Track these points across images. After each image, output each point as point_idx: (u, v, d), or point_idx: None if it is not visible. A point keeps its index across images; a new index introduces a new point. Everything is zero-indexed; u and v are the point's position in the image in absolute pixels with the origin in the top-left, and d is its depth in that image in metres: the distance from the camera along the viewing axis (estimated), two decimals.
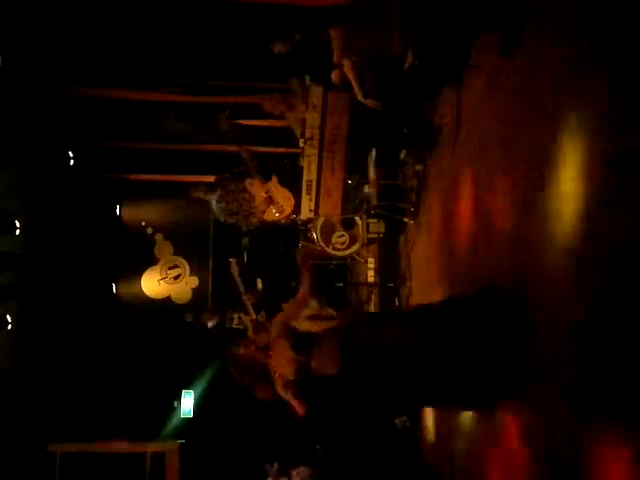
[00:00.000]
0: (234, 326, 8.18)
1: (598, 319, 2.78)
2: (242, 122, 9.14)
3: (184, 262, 11.24)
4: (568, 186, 3.18)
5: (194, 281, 11.21)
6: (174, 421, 10.01)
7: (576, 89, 3.16)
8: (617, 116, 2.77)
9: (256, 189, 8.04)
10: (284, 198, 8.00)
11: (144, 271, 11.19)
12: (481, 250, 4.69)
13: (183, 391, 10.19)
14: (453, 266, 5.47)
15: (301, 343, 4.24)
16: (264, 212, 7.96)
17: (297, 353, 4.22)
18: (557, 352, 3.15)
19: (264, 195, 8.00)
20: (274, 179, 8.04)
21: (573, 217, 3.10)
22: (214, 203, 8.23)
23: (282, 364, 4.28)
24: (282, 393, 4.27)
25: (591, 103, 2.99)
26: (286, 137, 8.08)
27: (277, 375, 4.28)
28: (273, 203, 7.97)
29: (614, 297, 2.69)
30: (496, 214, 4.34)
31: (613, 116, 2.80)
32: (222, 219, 8.35)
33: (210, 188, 8.28)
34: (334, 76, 6.06)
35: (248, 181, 8.06)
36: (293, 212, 7.85)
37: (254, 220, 8.14)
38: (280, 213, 7.93)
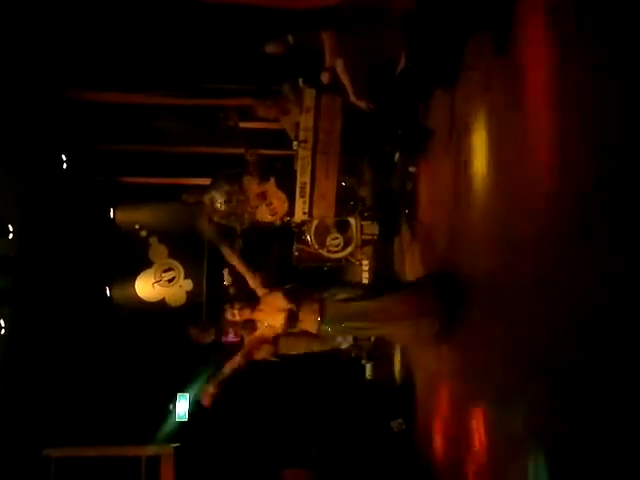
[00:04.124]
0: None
1: None
2: (237, 124, 9.11)
3: (178, 265, 11.21)
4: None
5: (188, 284, 11.18)
6: (169, 425, 9.97)
7: (568, 90, 3.15)
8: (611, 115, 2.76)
9: (253, 189, 8.02)
10: (279, 200, 7.98)
11: (138, 274, 11.15)
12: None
13: (178, 395, 10.15)
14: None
15: (291, 293, 5.05)
16: (256, 208, 7.92)
17: (289, 301, 5.03)
18: None
19: (258, 192, 7.97)
20: (272, 180, 8.01)
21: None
22: (208, 205, 8.20)
23: (272, 315, 5.08)
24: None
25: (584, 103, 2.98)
26: (281, 139, 8.07)
27: (263, 328, 5.11)
28: (267, 203, 7.94)
29: None
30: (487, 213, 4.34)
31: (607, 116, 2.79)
32: (216, 220, 8.32)
33: (204, 191, 8.25)
34: (324, 78, 6.06)
35: (247, 178, 8.03)
36: (286, 215, 7.83)
37: (247, 220, 8.11)
38: (273, 215, 7.90)
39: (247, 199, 8.03)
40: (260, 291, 5.35)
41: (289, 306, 5.14)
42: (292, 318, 5.12)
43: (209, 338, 5.97)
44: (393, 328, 5.35)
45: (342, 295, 5.29)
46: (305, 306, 5.13)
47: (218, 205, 8.18)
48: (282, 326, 5.20)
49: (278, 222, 8.08)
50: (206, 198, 8.26)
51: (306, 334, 5.70)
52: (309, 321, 5.14)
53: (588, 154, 2.90)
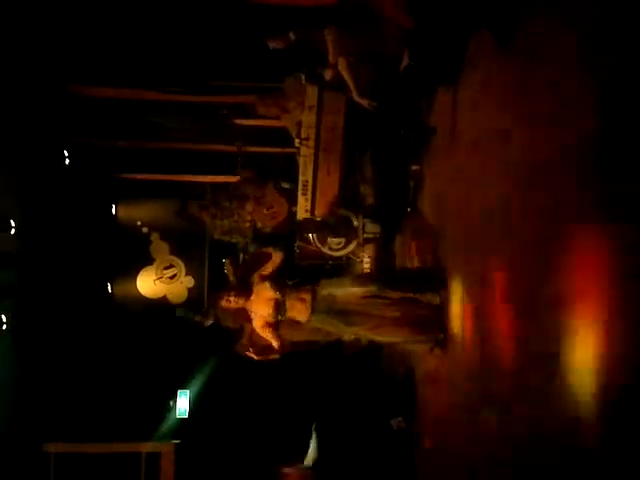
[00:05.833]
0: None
1: None
2: (239, 121, 9.11)
3: (180, 262, 11.21)
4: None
5: (190, 281, 11.18)
6: (169, 421, 9.98)
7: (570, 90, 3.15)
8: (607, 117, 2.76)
9: (251, 194, 8.02)
10: (279, 204, 7.98)
11: (140, 271, 11.16)
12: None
13: (178, 391, 10.16)
14: None
15: (277, 282, 5.33)
16: (257, 215, 7.92)
17: (275, 290, 5.31)
18: None
19: (257, 196, 7.98)
20: (270, 184, 8.02)
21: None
22: (209, 221, 8.23)
23: (261, 304, 5.33)
24: (261, 332, 5.38)
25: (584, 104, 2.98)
26: (284, 137, 8.06)
27: (256, 317, 5.36)
28: (267, 207, 7.94)
29: None
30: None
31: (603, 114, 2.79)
32: (216, 236, 8.36)
33: (204, 207, 8.26)
34: (327, 75, 6.05)
35: (244, 178, 8.03)
36: (287, 217, 7.82)
37: (249, 232, 8.11)
38: (274, 219, 7.90)
39: (247, 212, 8.01)
40: (255, 280, 5.48)
41: (275, 295, 5.31)
42: (278, 307, 5.31)
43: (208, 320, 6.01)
44: (383, 333, 5.40)
45: (337, 288, 5.35)
46: (293, 295, 5.31)
47: (217, 222, 8.18)
48: (270, 315, 5.40)
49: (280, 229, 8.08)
50: (206, 217, 8.28)
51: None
52: (298, 310, 5.36)
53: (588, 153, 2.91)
